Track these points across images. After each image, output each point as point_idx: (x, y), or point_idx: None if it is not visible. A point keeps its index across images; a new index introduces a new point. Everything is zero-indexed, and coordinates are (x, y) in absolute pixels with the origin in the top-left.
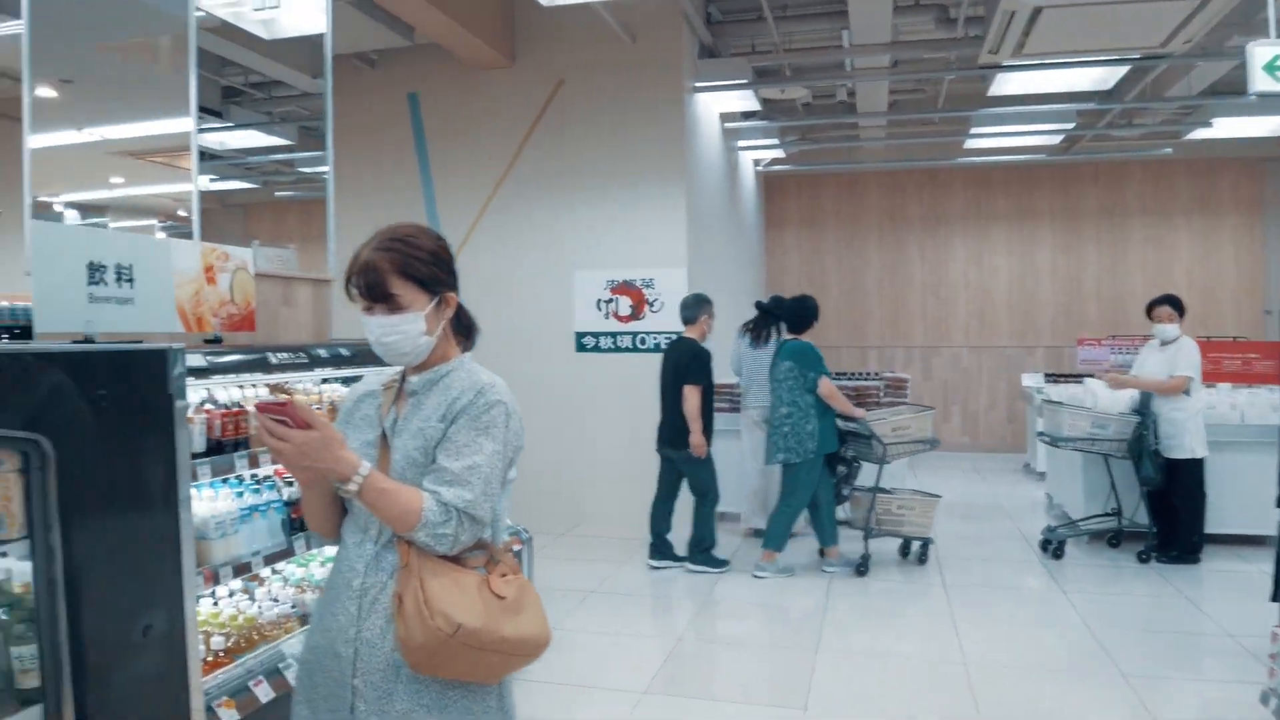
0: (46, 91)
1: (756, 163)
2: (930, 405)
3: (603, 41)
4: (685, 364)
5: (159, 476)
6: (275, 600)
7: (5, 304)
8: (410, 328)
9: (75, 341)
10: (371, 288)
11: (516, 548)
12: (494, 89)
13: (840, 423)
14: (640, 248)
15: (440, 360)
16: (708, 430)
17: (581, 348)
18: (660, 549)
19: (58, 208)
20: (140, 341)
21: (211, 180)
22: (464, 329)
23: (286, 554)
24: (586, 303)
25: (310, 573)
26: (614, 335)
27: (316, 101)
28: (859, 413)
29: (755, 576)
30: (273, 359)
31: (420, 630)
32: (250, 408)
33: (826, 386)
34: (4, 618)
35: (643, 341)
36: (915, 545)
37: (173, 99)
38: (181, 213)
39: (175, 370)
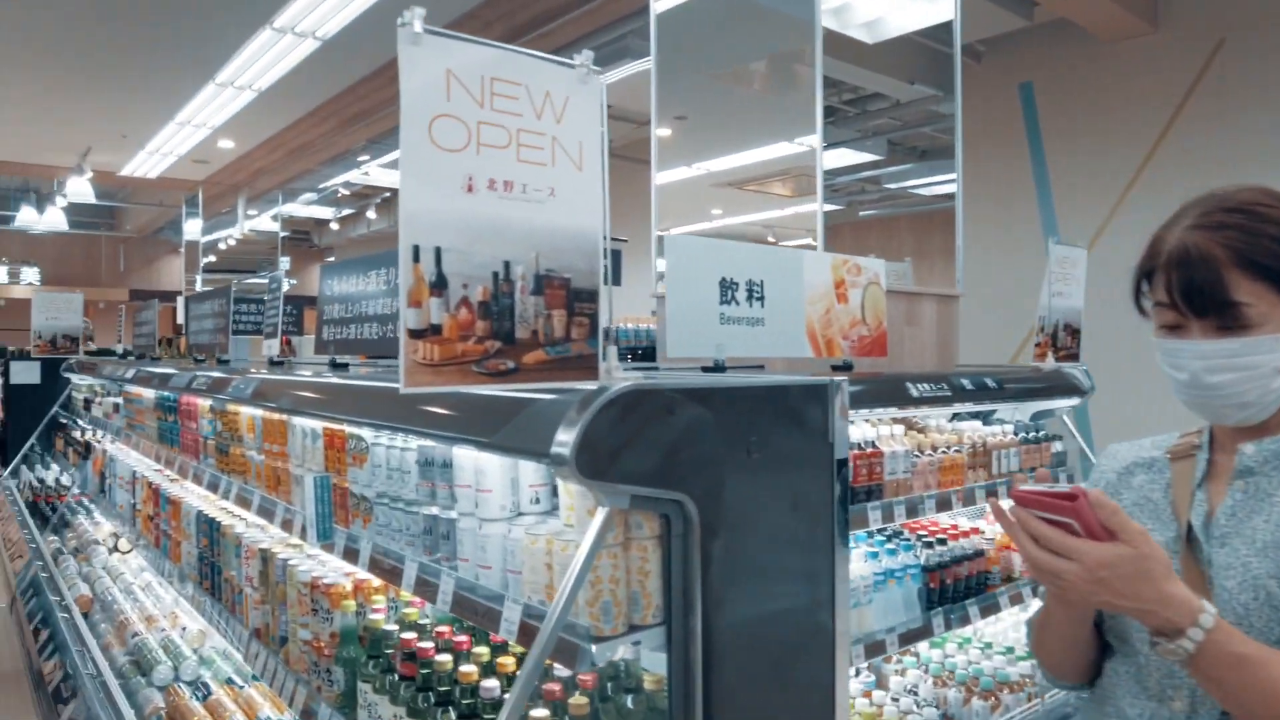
0: (662, 131)
1: None
2: None
3: None
4: None
5: (813, 545)
6: (914, 693)
7: (631, 326)
8: (1261, 360)
9: (704, 369)
10: (1193, 291)
11: None
12: (1129, 63)
13: None
14: None
15: None
16: None
17: None
18: None
19: None
20: (761, 367)
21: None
22: None
23: (923, 633)
24: None
25: (950, 660)
26: None
27: (909, 112)
28: None
29: None
30: (913, 390)
31: None
32: (889, 449)
33: None
34: (629, 707)
35: None
36: None
37: (776, 124)
38: (770, 239)
39: (836, 409)
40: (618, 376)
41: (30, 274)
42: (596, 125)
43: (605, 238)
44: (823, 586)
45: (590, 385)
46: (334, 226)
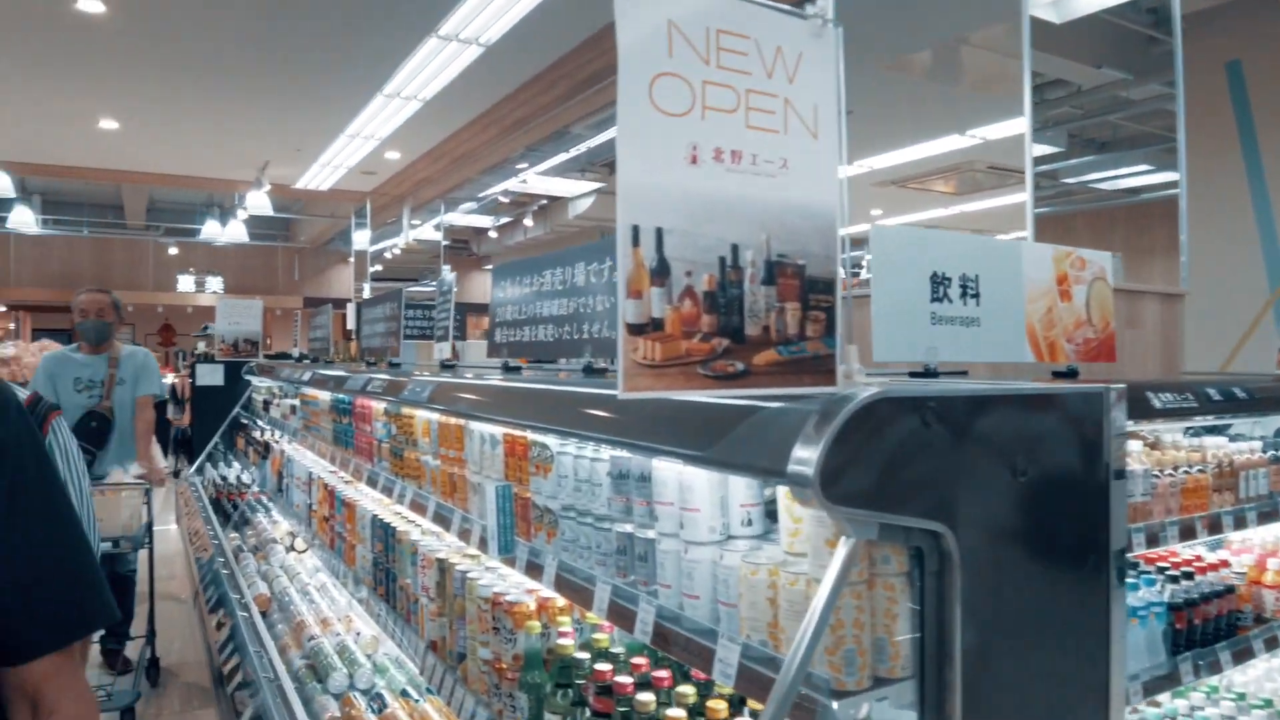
0: None
1: None
2: None
3: None
4: None
5: (1088, 583)
6: None
7: None
8: None
9: (911, 374)
10: None
11: None
12: None
13: None
14: None
15: None
16: None
17: None
18: None
19: None
20: (965, 373)
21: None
22: None
23: (1169, 681)
24: None
25: (1200, 714)
26: None
27: (1091, 99)
28: None
29: None
30: (1155, 400)
31: None
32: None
33: None
34: None
35: None
36: None
37: (945, 116)
38: None
39: (1113, 422)
40: (859, 382)
41: (214, 283)
42: (833, 86)
43: (844, 217)
44: (1098, 632)
45: (827, 392)
46: (492, 235)
